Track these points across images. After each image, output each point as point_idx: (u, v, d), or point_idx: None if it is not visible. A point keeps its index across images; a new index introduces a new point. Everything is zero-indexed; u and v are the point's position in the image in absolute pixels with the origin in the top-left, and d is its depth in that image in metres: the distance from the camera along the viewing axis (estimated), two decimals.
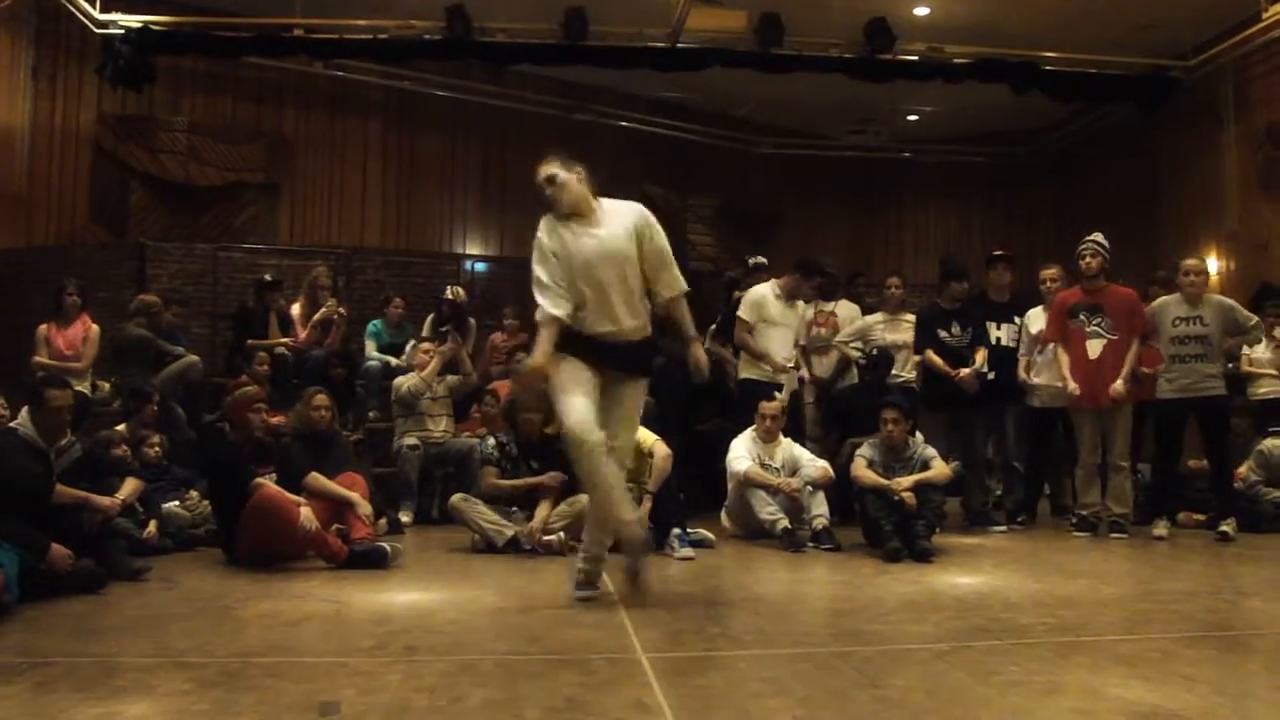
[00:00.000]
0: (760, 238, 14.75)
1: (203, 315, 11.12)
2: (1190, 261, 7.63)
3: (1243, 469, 8.06)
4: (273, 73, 12.72)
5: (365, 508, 6.30)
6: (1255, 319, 7.69)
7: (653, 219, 4.95)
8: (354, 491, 6.35)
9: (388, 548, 5.92)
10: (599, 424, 4.62)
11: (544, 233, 4.83)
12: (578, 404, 4.61)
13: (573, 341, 4.72)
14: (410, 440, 8.36)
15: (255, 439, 6.54)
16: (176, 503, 6.86)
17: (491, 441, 7.04)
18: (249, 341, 9.25)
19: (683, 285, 5.00)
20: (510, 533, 6.50)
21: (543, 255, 4.78)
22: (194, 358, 8.78)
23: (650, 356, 5.09)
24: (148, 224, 11.96)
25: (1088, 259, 7.58)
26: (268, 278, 9.99)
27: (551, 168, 4.89)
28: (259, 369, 8.52)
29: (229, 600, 4.83)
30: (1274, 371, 9.09)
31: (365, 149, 13.51)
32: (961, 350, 7.91)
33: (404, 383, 8.60)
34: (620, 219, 4.88)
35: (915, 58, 12.09)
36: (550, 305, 4.67)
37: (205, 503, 6.84)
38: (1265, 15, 11.06)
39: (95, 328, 8.54)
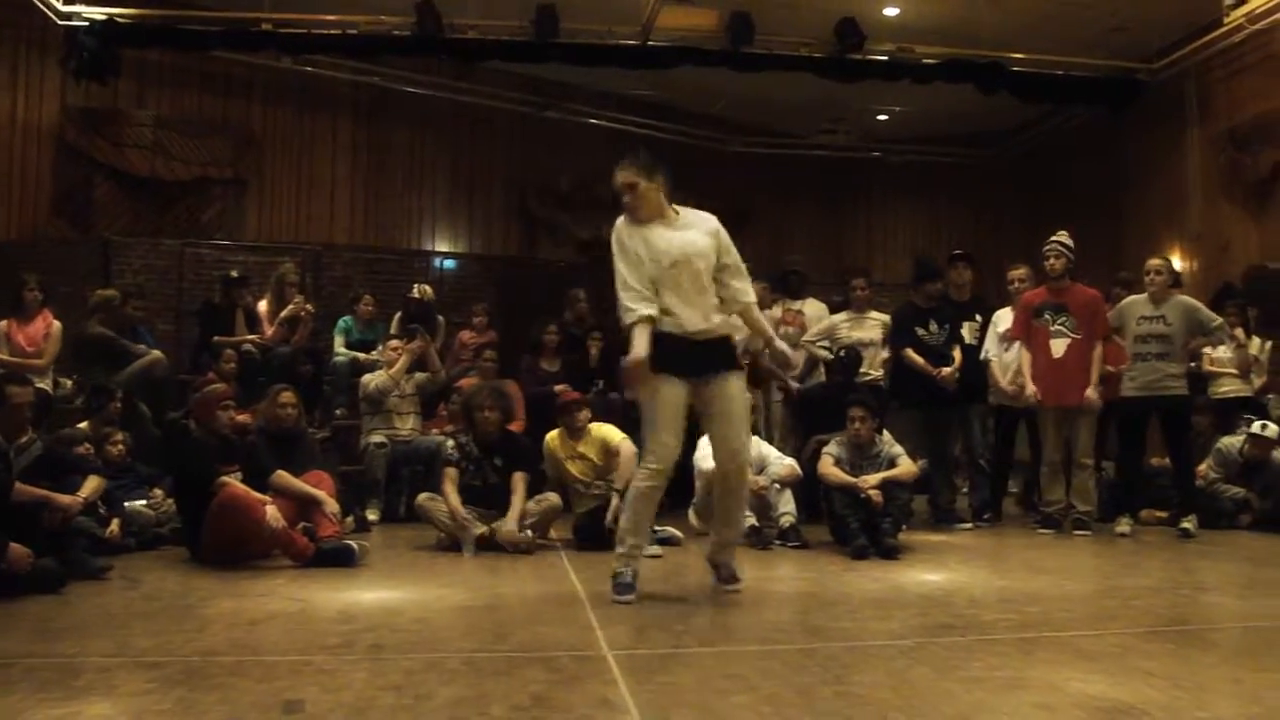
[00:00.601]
0: (731, 236, 14.77)
1: (168, 312, 11.05)
2: (1154, 261, 7.71)
3: (1203, 467, 8.16)
4: (241, 67, 12.62)
5: (332, 506, 6.26)
6: (1219, 320, 7.77)
7: (724, 230, 5.00)
8: (320, 489, 6.31)
9: (354, 546, 5.89)
10: (709, 433, 4.87)
11: (624, 235, 4.85)
12: (666, 443, 4.71)
13: (665, 345, 4.71)
14: (377, 438, 8.33)
15: (222, 436, 6.49)
16: (141, 501, 6.80)
17: (451, 443, 6.99)
18: (215, 338, 9.18)
19: (753, 295, 5.04)
20: (478, 531, 6.48)
21: (626, 257, 4.79)
22: (159, 354, 8.71)
23: (734, 350, 5.04)
24: (112, 219, 11.85)
25: (1052, 260, 7.65)
26: (234, 274, 9.91)
27: (632, 176, 4.89)
28: (226, 366, 8.44)
29: (192, 599, 4.79)
30: (1235, 371, 9.21)
31: (334, 145, 13.44)
32: (940, 348, 7.97)
33: (372, 380, 8.56)
34: (700, 225, 4.95)
35: (885, 58, 12.15)
36: (641, 306, 4.69)
37: (170, 501, 6.79)
38: (1226, 20, 11.19)
39: (57, 324, 8.42)
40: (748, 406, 5.02)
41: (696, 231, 4.88)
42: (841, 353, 8.21)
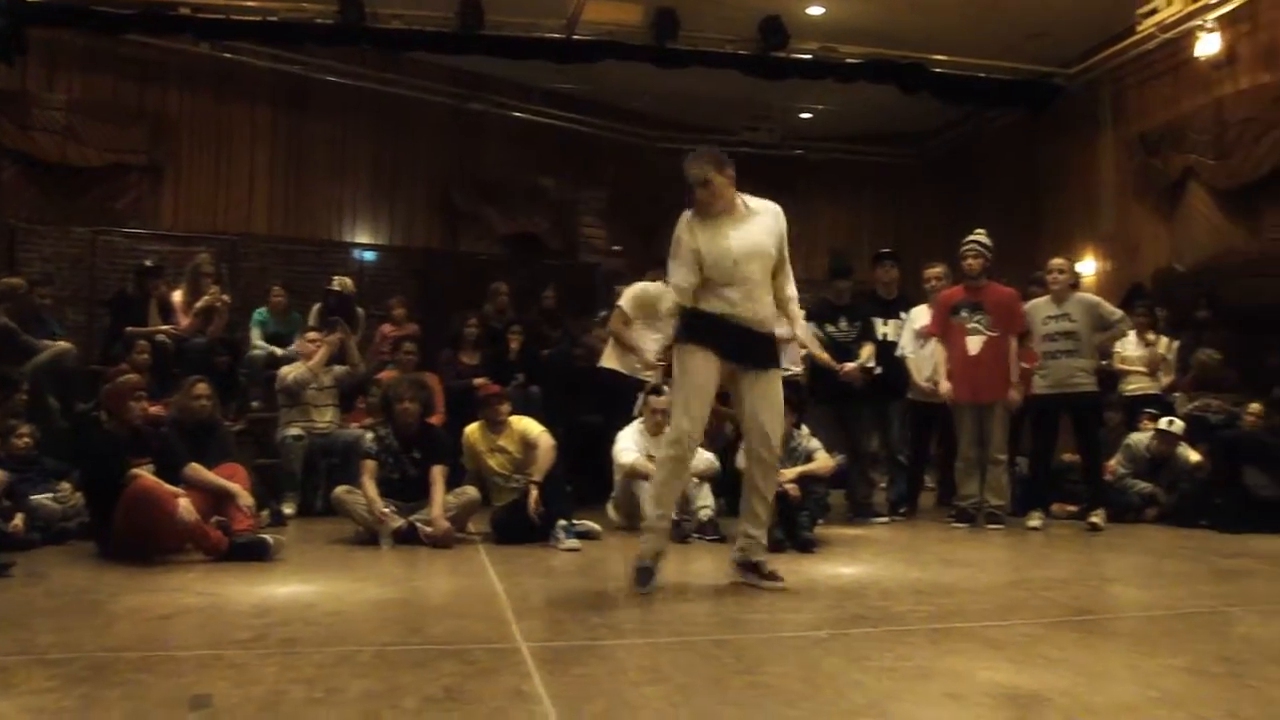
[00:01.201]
0: (653, 231, 14.79)
1: (80, 301, 10.81)
2: (1055, 261, 7.91)
3: (1112, 462, 8.36)
4: (157, 51, 12.31)
5: (246, 499, 6.15)
6: (1120, 313, 7.96)
7: (784, 220, 5.05)
8: (234, 483, 6.21)
9: (270, 540, 5.81)
10: (743, 417, 4.90)
11: (685, 232, 4.85)
12: (696, 412, 4.77)
13: (713, 324, 4.78)
14: (294, 431, 8.23)
15: (134, 428, 6.31)
16: (47, 495, 6.64)
17: (370, 436, 6.93)
18: (128, 328, 8.99)
19: (794, 290, 5.09)
20: (396, 524, 6.43)
21: (681, 256, 4.82)
22: (67, 345, 8.50)
23: (775, 348, 5.08)
24: (19, 205, 11.46)
25: (970, 260, 7.79)
26: (148, 263, 9.74)
27: (707, 171, 4.83)
28: (139, 357, 8.26)
29: (99, 594, 4.69)
30: (1143, 369, 9.45)
31: (253, 133, 13.21)
32: (848, 345, 8.04)
33: (290, 372, 8.45)
34: (765, 217, 4.96)
35: (809, 56, 12.27)
36: (682, 299, 4.80)
37: (78, 494, 6.65)
38: (1139, 29, 11.49)
39: None
40: (781, 397, 5.04)
41: (761, 227, 4.92)
42: None
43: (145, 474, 5.82)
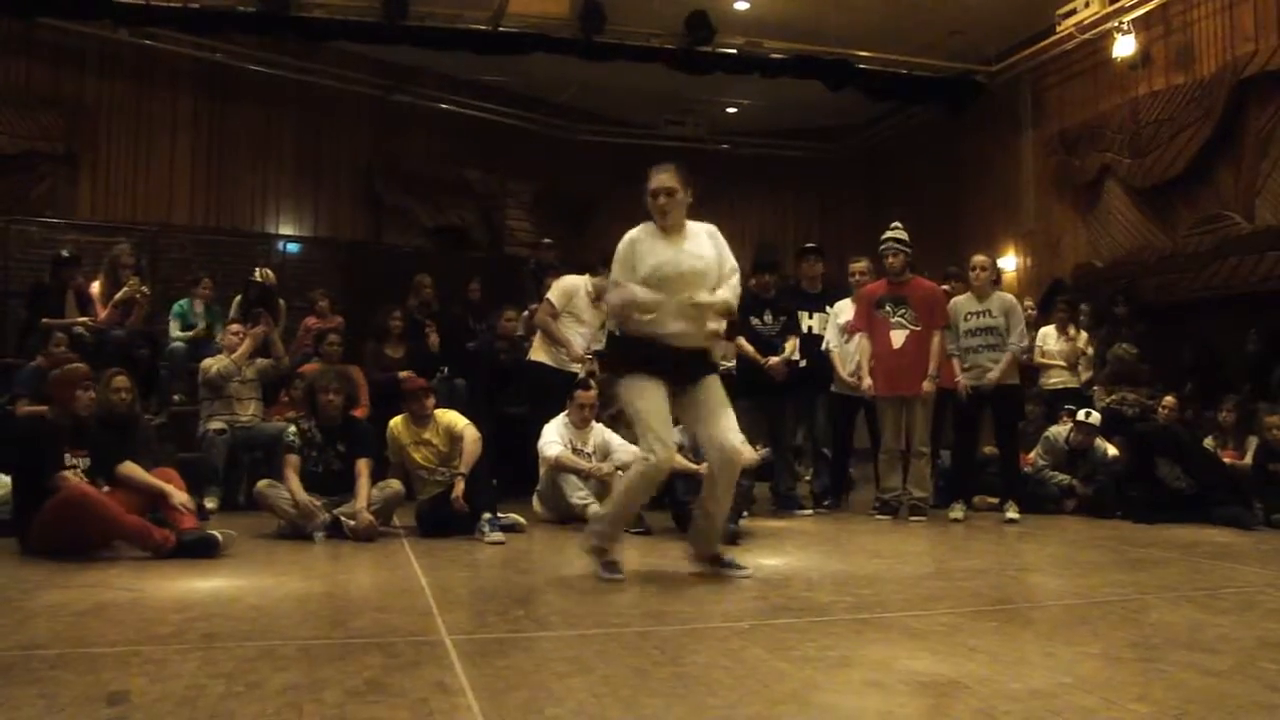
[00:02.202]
0: (578, 224, 14.81)
1: None
2: (978, 258, 8.03)
3: (1032, 454, 8.53)
4: (73, 36, 12.07)
5: (180, 497, 5.98)
6: (1022, 328, 7.97)
7: (720, 237, 5.09)
8: (169, 484, 6.07)
9: (219, 535, 5.65)
10: (710, 439, 4.92)
11: (627, 245, 4.92)
12: (666, 442, 4.84)
13: (651, 349, 4.85)
14: (217, 424, 8.11)
15: (78, 419, 6.04)
16: None
17: (293, 429, 6.84)
18: (44, 320, 8.80)
19: (731, 295, 5.08)
20: (321, 517, 6.37)
21: (623, 266, 4.89)
22: None
23: (713, 359, 5.17)
24: None
25: (890, 259, 7.90)
26: (65, 253, 9.50)
27: (672, 181, 4.91)
28: (56, 349, 8.07)
29: (14, 591, 4.58)
30: (1063, 363, 9.64)
31: (174, 122, 12.99)
32: (772, 339, 8.10)
33: (213, 365, 8.31)
34: (705, 239, 5.00)
35: (734, 51, 12.34)
36: (625, 312, 4.88)
37: None
38: (1059, 29, 11.74)
39: None
40: (726, 395, 5.08)
41: (704, 247, 4.97)
42: None
43: (74, 479, 5.65)
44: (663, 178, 4.93)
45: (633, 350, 4.94)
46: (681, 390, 4.94)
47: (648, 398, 4.85)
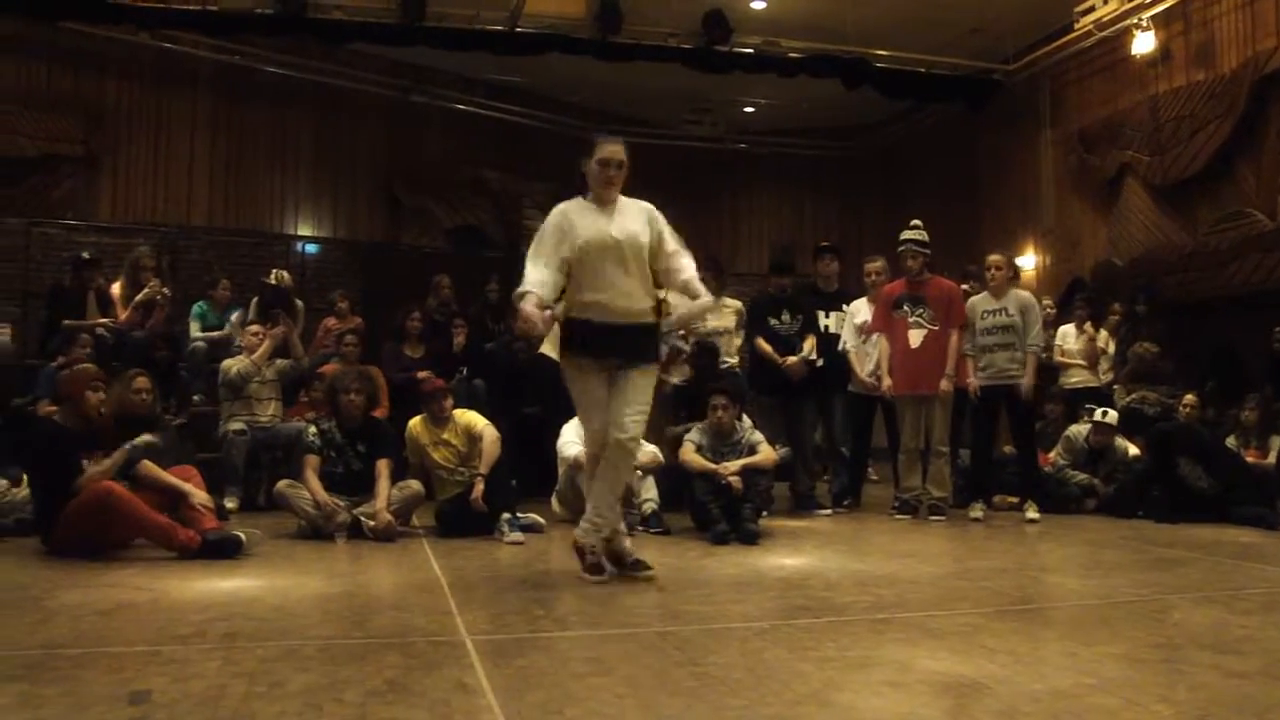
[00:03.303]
0: None
1: (14, 294, 10.60)
2: (993, 257, 8.00)
3: (1052, 454, 8.49)
4: (94, 40, 12.12)
5: (201, 497, 5.98)
6: (1039, 330, 7.94)
7: (660, 215, 5.08)
8: (189, 484, 6.08)
9: (243, 535, 5.66)
10: (612, 419, 4.84)
11: (559, 215, 4.91)
12: (595, 429, 4.92)
13: (587, 332, 4.85)
14: (237, 425, 8.13)
15: (89, 419, 6.05)
16: None
17: (313, 430, 6.85)
18: (65, 322, 8.85)
19: (692, 270, 5.04)
20: (341, 517, 6.38)
21: (546, 233, 4.87)
22: (3, 339, 8.36)
23: (656, 343, 5.15)
24: None
25: (909, 261, 7.87)
26: (86, 255, 9.56)
27: (624, 155, 4.97)
28: (81, 351, 8.06)
29: (36, 590, 4.61)
30: (1083, 362, 9.59)
31: (193, 124, 13.03)
32: (791, 338, 8.09)
33: (233, 365, 8.34)
34: (637, 213, 5.00)
35: (751, 50, 12.32)
36: (533, 284, 4.70)
37: (14, 491, 6.52)
38: (1077, 26, 11.69)
39: None
40: (650, 391, 5.03)
41: (634, 218, 4.95)
42: (693, 346, 8.23)
43: (105, 479, 5.67)
44: (615, 149, 4.95)
45: (575, 329, 4.91)
46: (615, 372, 4.89)
47: (583, 388, 4.90)
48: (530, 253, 4.85)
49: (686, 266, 4.99)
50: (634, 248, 4.86)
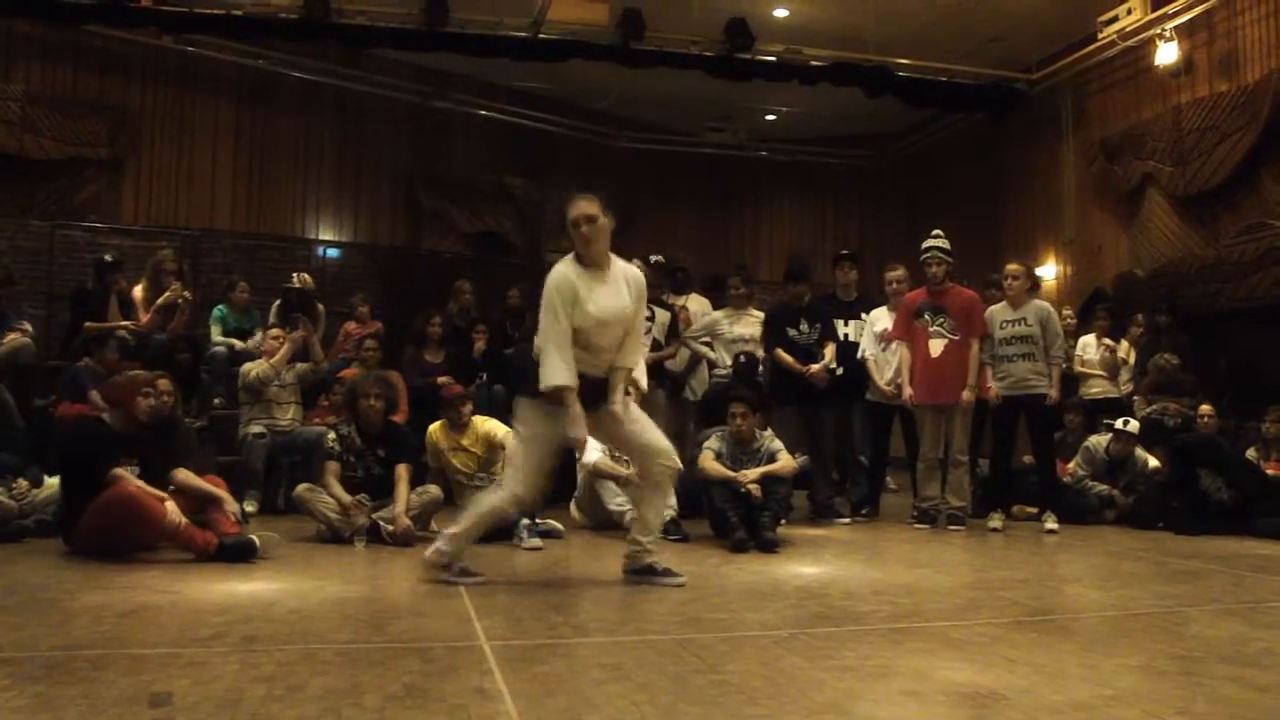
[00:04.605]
0: (616, 231, 14.78)
1: (38, 295, 10.66)
2: (1011, 266, 7.99)
3: (1072, 464, 8.45)
4: (118, 44, 12.20)
5: (231, 505, 6.09)
6: (1061, 341, 7.92)
7: (645, 291, 5.10)
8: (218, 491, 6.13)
9: (256, 540, 5.69)
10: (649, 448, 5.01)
11: (565, 283, 4.82)
12: (536, 484, 5.02)
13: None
14: (256, 428, 8.17)
15: (138, 424, 6.07)
16: (1, 491, 6.54)
17: (332, 435, 6.86)
18: (87, 324, 8.92)
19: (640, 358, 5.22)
20: (359, 522, 6.40)
21: (550, 309, 4.80)
22: (25, 340, 8.41)
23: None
24: None
25: (934, 268, 7.87)
26: (108, 258, 9.62)
27: (593, 208, 4.88)
28: (110, 356, 8.07)
29: (56, 592, 4.63)
30: (1103, 373, 9.55)
31: (216, 128, 13.09)
32: (810, 346, 8.08)
33: (252, 369, 8.39)
34: (627, 280, 4.99)
35: (774, 58, 12.32)
36: (559, 375, 4.72)
37: (35, 491, 6.56)
38: (1101, 36, 11.65)
39: None
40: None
41: (626, 294, 4.94)
42: (741, 358, 8.22)
43: (128, 477, 5.70)
44: (581, 205, 4.87)
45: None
46: (594, 414, 4.90)
47: (543, 438, 4.91)
48: (544, 326, 4.82)
49: (639, 360, 5.13)
50: (624, 321, 4.92)
